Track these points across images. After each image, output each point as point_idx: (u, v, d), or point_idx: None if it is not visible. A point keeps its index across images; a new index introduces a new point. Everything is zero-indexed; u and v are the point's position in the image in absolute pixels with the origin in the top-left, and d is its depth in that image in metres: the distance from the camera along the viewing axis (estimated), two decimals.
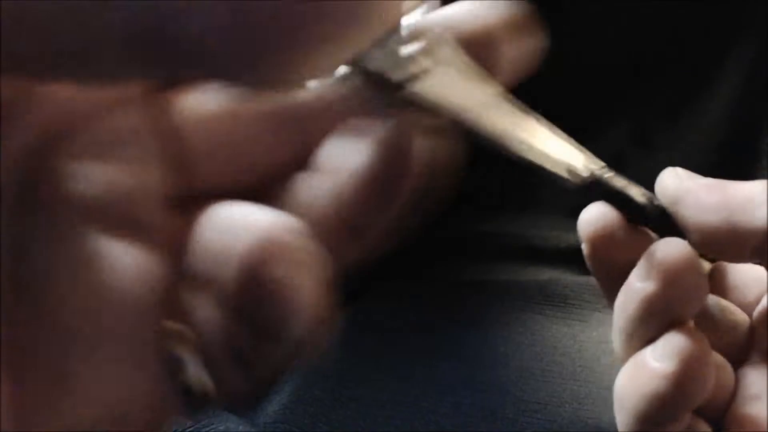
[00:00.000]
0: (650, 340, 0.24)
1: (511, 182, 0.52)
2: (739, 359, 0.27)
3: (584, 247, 0.26)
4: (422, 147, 0.18)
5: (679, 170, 0.26)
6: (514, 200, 0.53)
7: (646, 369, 0.24)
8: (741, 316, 0.28)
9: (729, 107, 0.52)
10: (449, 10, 0.20)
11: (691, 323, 0.25)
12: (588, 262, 0.26)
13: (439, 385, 0.40)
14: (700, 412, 0.26)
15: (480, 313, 0.46)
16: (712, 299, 0.28)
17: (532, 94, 0.53)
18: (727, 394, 0.26)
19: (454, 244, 0.52)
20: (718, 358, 0.27)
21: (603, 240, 0.25)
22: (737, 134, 0.53)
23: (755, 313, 0.28)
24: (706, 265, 0.27)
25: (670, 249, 0.24)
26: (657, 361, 0.24)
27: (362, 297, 0.44)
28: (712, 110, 0.52)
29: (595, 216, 0.26)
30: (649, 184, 0.27)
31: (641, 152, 0.52)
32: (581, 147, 0.23)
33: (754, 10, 0.49)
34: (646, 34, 0.49)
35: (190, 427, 0.39)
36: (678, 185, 0.25)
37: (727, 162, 0.53)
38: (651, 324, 0.25)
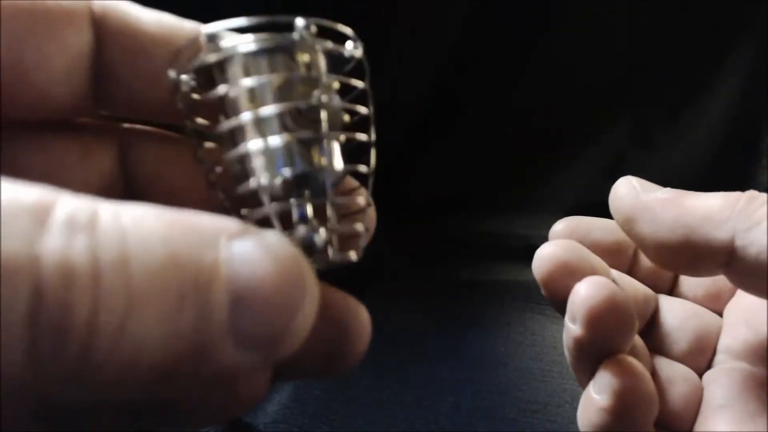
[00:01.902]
0: (593, 373, 0.25)
1: (511, 182, 0.52)
2: (705, 365, 0.27)
3: (540, 286, 0.26)
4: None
5: (634, 181, 0.25)
6: (514, 200, 0.53)
7: (590, 401, 0.24)
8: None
9: (729, 107, 0.52)
10: None
11: (625, 355, 0.25)
12: (548, 299, 0.26)
13: (439, 385, 0.40)
14: (666, 426, 0.26)
15: (480, 313, 0.46)
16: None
17: (533, 94, 0.54)
18: (694, 405, 0.26)
19: (454, 244, 0.52)
20: (679, 369, 0.27)
21: (554, 279, 0.25)
22: (737, 134, 0.53)
23: (726, 311, 0.28)
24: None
25: (589, 291, 0.24)
26: (597, 395, 0.24)
27: (362, 297, 0.44)
28: (712, 110, 0.52)
29: (546, 256, 0.26)
30: None
31: (641, 152, 0.52)
32: None
33: (754, 10, 0.49)
34: (646, 35, 0.49)
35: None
36: (633, 201, 0.25)
37: (727, 162, 0.53)
38: (586, 360, 0.25)
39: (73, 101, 0.20)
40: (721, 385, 0.26)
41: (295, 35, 0.18)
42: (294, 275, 0.15)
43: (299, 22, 0.18)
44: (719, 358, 0.27)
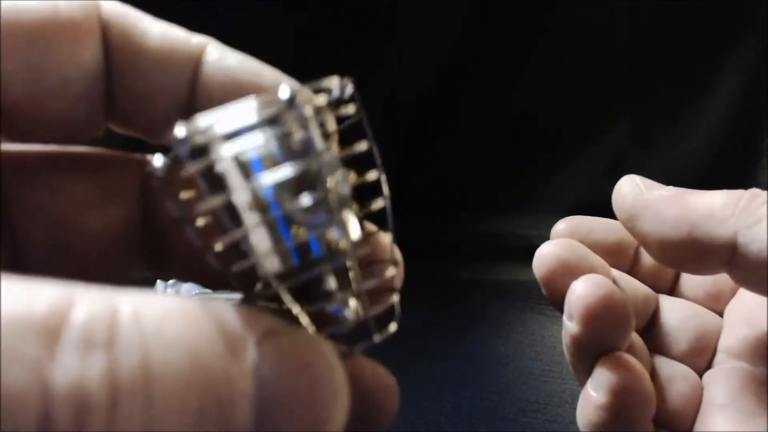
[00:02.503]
0: (591, 371, 0.25)
1: (511, 182, 0.52)
2: (705, 365, 0.27)
3: (540, 285, 0.26)
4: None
5: (637, 179, 0.25)
6: (514, 200, 0.53)
7: (588, 399, 0.24)
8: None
9: (729, 107, 0.52)
10: None
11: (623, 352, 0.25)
12: (548, 298, 0.26)
13: (439, 385, 0.40)
14: (666, 425, 0.26)
15: (480, 313, 0.46)
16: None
17: (533, 94, 0.54)
18: (693, 404, 0.26)
19: (454, 244, 0.52)
20: (679, 368, 0.27)
21: (554, 278, 0.26)
22: (737, 134, 0.52)
23: (726, 311, 0.28)
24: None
25: (585, 289, 0.24)
26: (594, 392, 0.24)
27: None
28: (712, 110, 0.52)
29: (546, 255, 0.26)
30: None
31: (641, 152, 0.52)
32: None
33: (754, 10, 0.49)
34: (646, 35, 0.49)
35: None
36: (635, 198, 0.25)
37: (727, 162, 0.53)
38: (584, 358, 0.25)
39: (90, 122, 0.19)
40: (722, 384, 0.26)
41: (282, 111, 0.16)
42: (326, 385, 0.14)
43: (283, 93, 0.16)
44: (719, 357, 0.27)
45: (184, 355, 0.13)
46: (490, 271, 0.51)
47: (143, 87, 0.19)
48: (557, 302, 0.25)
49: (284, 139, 0.16)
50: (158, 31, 0.19)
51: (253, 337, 0.14)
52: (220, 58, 0.19)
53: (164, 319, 0.13)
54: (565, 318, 0.25)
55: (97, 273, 0.20)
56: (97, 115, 0.19)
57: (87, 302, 0.13)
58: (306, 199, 0.16)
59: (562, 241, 0.27)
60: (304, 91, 0.17)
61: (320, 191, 0.16)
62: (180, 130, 0.16)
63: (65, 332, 0.12)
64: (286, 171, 0.16)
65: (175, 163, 0.16)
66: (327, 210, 0.16)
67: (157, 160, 0.16)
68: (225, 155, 0.16)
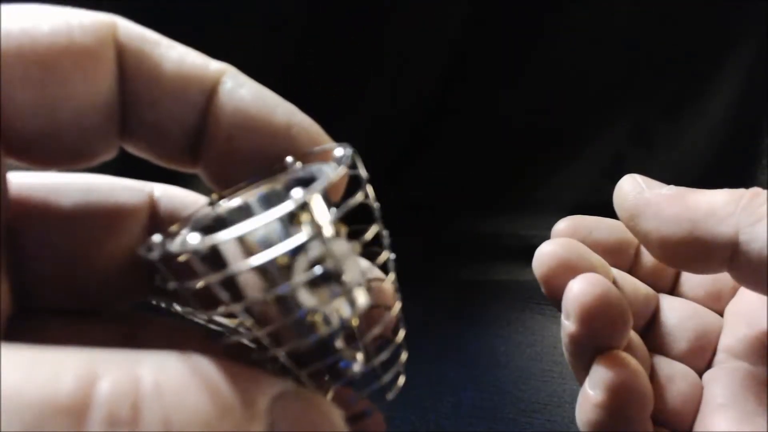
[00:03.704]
0: (588, 369, 0.25)
1: (511, 182, 0.52)
2: (705, 364, 0.27)
3: (540, 284, 0.26)
4: None
5: (638, 178, 0.25)
6: (514, 200, 0.53)
7: (586, 398, 0.24)
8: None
9: (729, 107, 0.52)
10: None
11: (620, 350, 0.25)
12: (547, 297, 0.26)
13: (439, 385, 0.40)
14: (666, 424, 0.26)
15: (480, 313, 0.46)
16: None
17: (533, 94, 0.54)
18: (693, 404, 0.26)
19: (454, 244, 0.52)
20: (679, 368, 0.27)
21: (554, 277, 0.26)
22: (737, 134, 0.52)
23: (726, 311, 0.28)
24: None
25: (581, 287, 0.24)
26: (591, 390, 0.24)
27: None
28: (712, 110, 0.52)
29: (546, 254, 0.26)
30: None
31: (641, 152, 0.52)
32: None
33: (754, 10, 0.49)
34: (645, 35, 0.49)
35: None
36: (637, 197, 0.25)
37: (727, 162, 0.53)
38: (582, 357, 0.25)
39: (103, 147, 0.19)
40: (721, 384, 0.26)
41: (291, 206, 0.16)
42: None
43: (296, 194, 0.16)
44: (719, 357, 0.27)
45: (204, 426, 0.14)
46: (490, 271, 0.51)
47: (156, 116, 0.19)
48: (557, 301, 0.25)
49: (291, 226, 0.16)
50: (175, 58, 0.19)
51: (267, 401, 0.15)
52: (235, 88, 0.19)
53: (184, 390, 0.14)
54: (562, 317, 0.25)
55: (103, 301, 0.20)
56: (110, 140, 0.19)
57: (110, 375, 0.13)
58: (319, 294, 0.16)
59: (563, 241, 0.27)
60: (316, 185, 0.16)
61: (334, 283, 0.16)
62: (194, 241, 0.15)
63: (91, 412, 0.13)
64: (301, 263, 0.16)
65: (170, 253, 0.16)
66: (330, 287, 0.16)
67: (155, 239, 0.17)
68: (227, 237, 0.16)
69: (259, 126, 0.19)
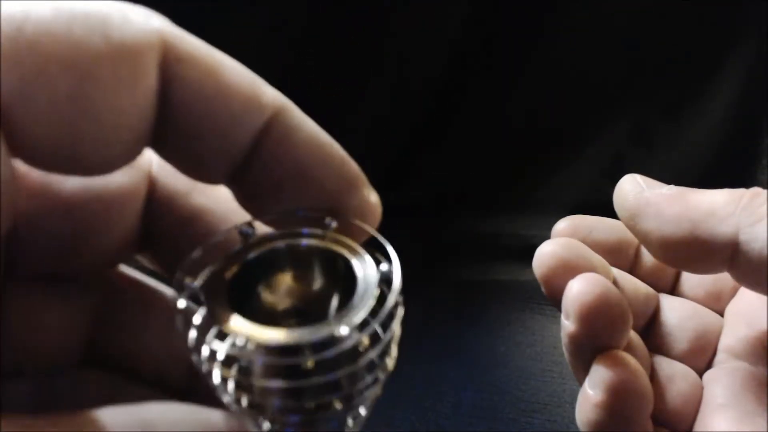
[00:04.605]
0: (588, 369, 0.25)
1: (511, 182, 0.52)
2: (705, 364, 0.27)
3: (540, 284, 0.26)
4: None
5: (638, 178, 0.25)
6: (514, 200, 0.53)
7: (585, 397, 0.24)
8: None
9: (729, 107, 0.52)
10: None
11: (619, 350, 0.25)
12: (547, 297, 0.26)
13: (439, 385, 0.40)
14: (666, 424, 0.26)
15: (480, 313, 0.46)
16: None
17: (533, 94, 0.54)
18: (693, 404, 0.26)
19: (454, 244, 0.52)
20: (679, 368, 0.27)
21: (554, 276, 0.26)
22: (737, 134, 0.53)
23: (726, 311, 0.28)
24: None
25: (581, 287, 0.24)
26: (591, 390, 0.24)
27: None
28: (712, 110, 0.52)
29: (547, 254, 0.26)
30: None
31: (641, 152, 0.52)
32: None
33: (754, 10, 0.49)
34: (645, 35, 0.49)
35: None
36: (637, 197, 0.25)
37: (727, 162, 0.53)
38: (581, 357, 0.25)
39: (127, 163, 0.17)
40: (722, 384, 0.26)
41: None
42: None
43: (343, 330, 0.15)
44: (720, 357, 0.27)
45: None
46: (490, 271, 0.51)
47: (196, 149, 0.16)
48: (557, 301, 0.25)
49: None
50: (226, 82, 0.16)
51: None
52: (289, 134, 0.17)
53: None
54: (562, 317, 0.25)
55: (90, 270, 0.19)
56: (135, 155, 0.17)
57: None
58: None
59: (563, 240, 0.27)
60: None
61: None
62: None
63: None
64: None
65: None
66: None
67: (180, 304, 0.16)
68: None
69: (308, 181, 0.17)
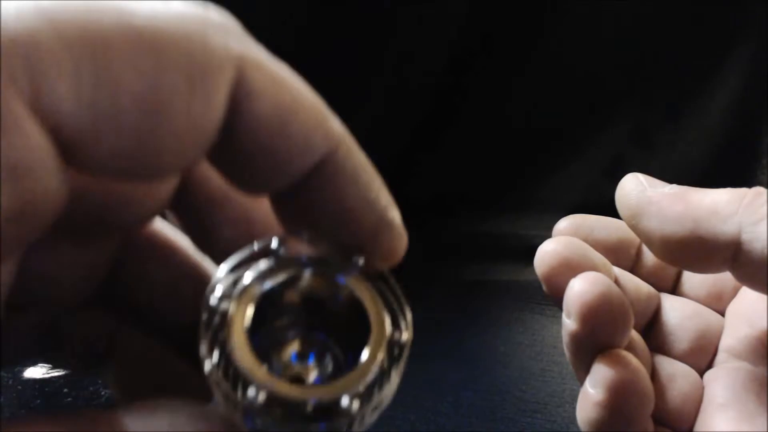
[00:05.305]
0: (589, 368, 0.25)
1: (511, 182, 0.52)
2: (706, 364, 0.27)
3: (542, 283, 0.26)
4: None
5: (640, 177, 0.25)
6: (514, 200, 0.53)
7: (586, 396, 0.24)
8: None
9: (729, 107, 0.52)
10: None
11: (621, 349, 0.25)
12: (549, 296, 0.26)
13: (439, 385, 0.40)
14: (666, 424, 0.26)
15: (480, 313, 0.46)
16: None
17: (533, 94, 0.54)
18: (694, 403, 0.26)
19: (454, 244, 0.52)
20: (680, 367, 0.27)
21: (555, 275, 0.25)
22: (737, 134, 0.53)
23: (728, 311, 0.28)
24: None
25: (582, 286, 0.24)
26: (592, 389, 0.24)
27: None
28: (712, 110, 0.52)
29: (548, 252, 0.26)
30: None
31: (641, 152, 0.52)
32: None
33: (754, 10, 0.49)
34: (645, 35, 0.49)
35: None
36: (639, 196, 0.24)
37: (727, 162, 0.53)
38: (583, 356, 0.25)
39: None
40: (722, 384, 0.26)
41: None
42: None
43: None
44: (721, 357, 0.27)
45: None
46: (490, 271, 0.51)
47: (251, 172, 0.16)
48: (559, 300, 0.25)
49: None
50: (292, 108, 0.16)
51: None
52: (345, 167, 0.17)
53: None
54: (563, 316, 0.25)
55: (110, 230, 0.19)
56: (197, 163, 0.16)
57: None
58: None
59: (564, 239, 0.27)
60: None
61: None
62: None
63: None
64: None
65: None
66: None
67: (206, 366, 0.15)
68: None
69: (350, 219, 0.17)
